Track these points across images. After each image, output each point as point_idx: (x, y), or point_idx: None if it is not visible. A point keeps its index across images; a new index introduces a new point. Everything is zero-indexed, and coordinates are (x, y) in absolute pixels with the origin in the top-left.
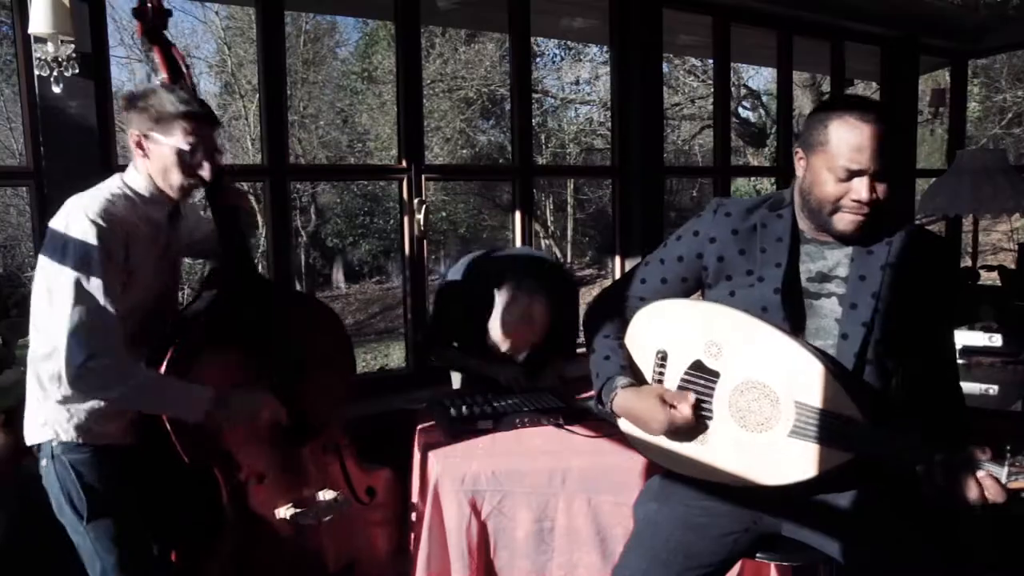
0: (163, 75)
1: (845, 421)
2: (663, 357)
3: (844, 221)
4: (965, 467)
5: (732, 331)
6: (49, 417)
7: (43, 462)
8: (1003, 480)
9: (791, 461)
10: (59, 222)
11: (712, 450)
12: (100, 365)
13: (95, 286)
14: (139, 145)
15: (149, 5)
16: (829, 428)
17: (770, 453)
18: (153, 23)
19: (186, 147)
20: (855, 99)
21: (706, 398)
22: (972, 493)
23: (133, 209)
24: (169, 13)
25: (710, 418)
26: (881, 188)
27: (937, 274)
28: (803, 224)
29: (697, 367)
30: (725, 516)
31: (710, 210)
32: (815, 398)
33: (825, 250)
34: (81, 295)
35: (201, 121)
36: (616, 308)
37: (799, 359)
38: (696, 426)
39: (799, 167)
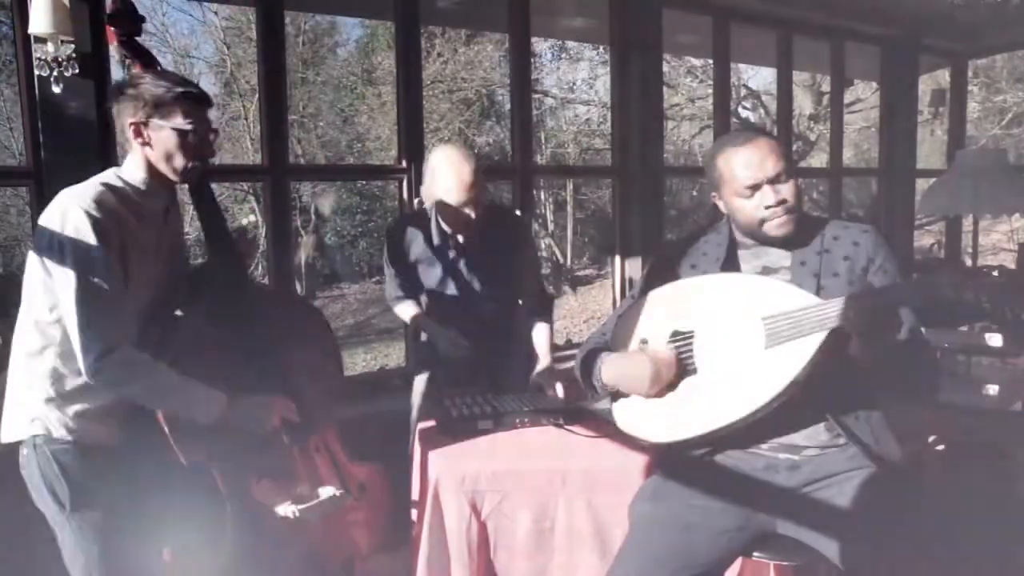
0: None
1: (806, 308)
2: (644, 342)
3: (774, 227)
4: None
5: (690, 292)
6: (39, 414)
7: (24, 451)
8: None
9: (777, 367)
10: (53, 217)
11: (706, 394)
12: (120, 358)
13: (100, 277)
14: (138, 133)
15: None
16: (797, 321)
17: (756, 371)
18: (129, 30)
19: (188, 127)
20: (732, 133)
21: (689, 355)
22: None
23: (127, 202)
24: (143, 19)
25: (695, 372)
26: (785, 189)
27: (869, 256)
28: (743, 238)
29: (675, 335)
30: (719, 514)
31: (658, 248)
32: (776, 306)
33: (768, 249)
34: (87, 288)
35: (197, 101)
36: (596, 343)
37: (751, 285)
38: (683, 372)
39: (720, 207)
